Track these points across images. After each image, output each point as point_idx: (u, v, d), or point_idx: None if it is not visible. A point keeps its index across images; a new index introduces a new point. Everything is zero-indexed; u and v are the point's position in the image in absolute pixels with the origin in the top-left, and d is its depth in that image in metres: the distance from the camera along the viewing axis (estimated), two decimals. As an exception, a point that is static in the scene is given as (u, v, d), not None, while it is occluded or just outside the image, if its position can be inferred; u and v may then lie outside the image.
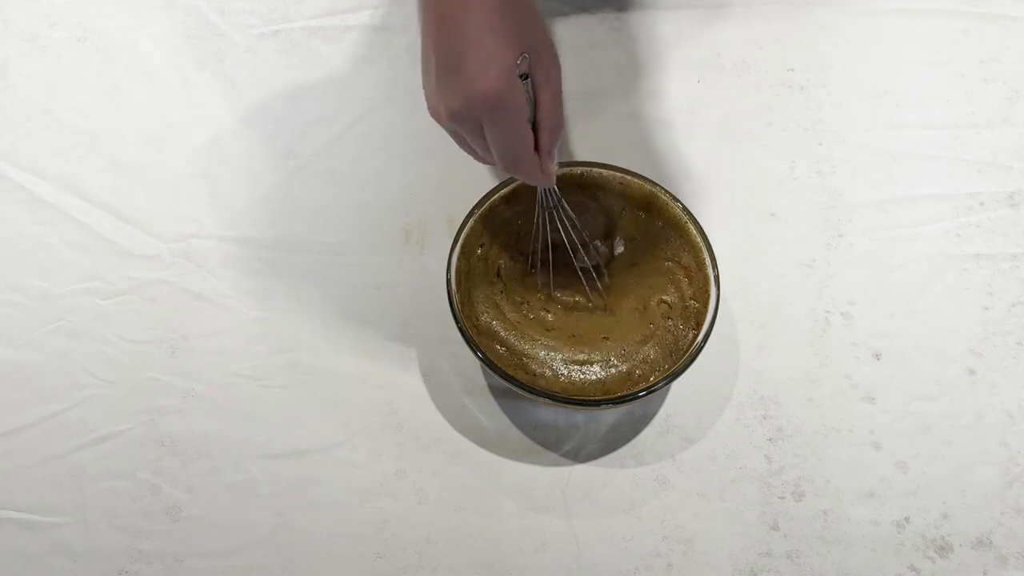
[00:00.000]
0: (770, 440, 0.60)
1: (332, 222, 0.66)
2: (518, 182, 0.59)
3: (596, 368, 0.58)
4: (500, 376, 0.55)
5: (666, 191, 0.60)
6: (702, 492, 0.59)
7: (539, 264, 0.60)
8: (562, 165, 0.60)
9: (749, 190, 0.68)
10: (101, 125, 0.69)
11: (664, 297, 0.60)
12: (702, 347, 0.56)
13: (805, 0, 0.74)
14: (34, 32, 0.73)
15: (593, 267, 0.60)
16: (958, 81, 0.72)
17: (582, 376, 0.58)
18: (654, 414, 0.61)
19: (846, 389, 0.62)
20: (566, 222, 0.58)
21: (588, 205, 0.61)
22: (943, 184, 0.68)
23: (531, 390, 0.55)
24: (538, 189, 0.57)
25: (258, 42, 0.72)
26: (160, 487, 0.59)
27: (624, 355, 0.58)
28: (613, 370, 0.58)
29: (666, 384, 0.55)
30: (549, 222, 0.58)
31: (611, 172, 0.60)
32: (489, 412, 0.61)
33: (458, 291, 0.57)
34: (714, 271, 0.58)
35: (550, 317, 0.60)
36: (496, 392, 0.62)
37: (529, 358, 0.58)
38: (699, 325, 0.57)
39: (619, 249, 0.62)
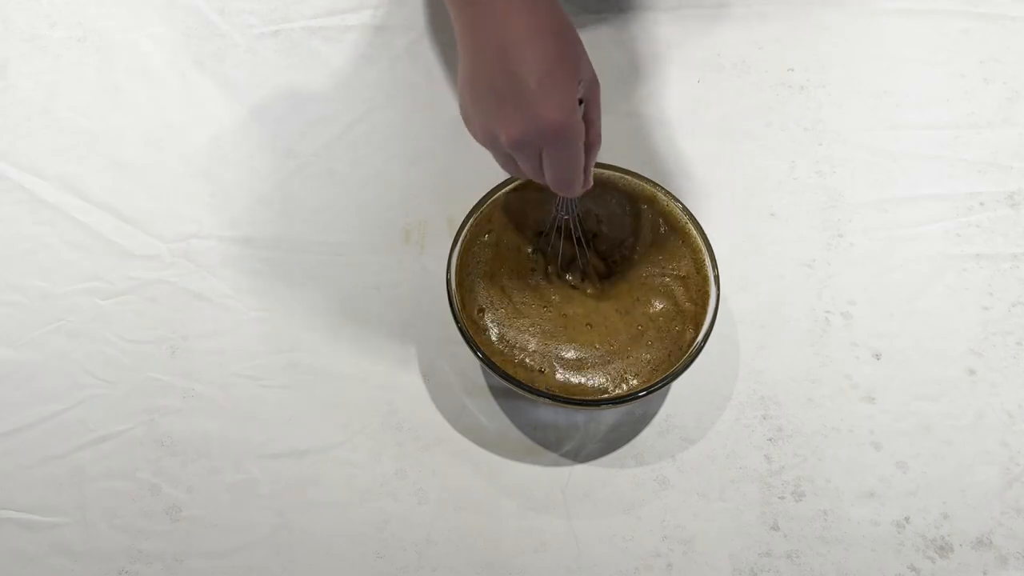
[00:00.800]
0: (770, 440, 0.60)
1: (332, 222, 0.66)
2: (520, 180, 0.59)
3: (597, 367, 0.58)
4: (500, 376, 0.55)
5: (666, 191, 0.60)
6: (702, 492, 0.59)
7: (547, 268, 0.60)
8: None
9: (749, 190, 0.68)
10: (101, 125, 0.69)
11: (664, 297, 0.60)
12: (702, 347, 0.56)
13: (805, 0, 0.74)
14: (34, 32, 0.73)
15: (596, 267, 0.61)
16: (958, 81, 0.72)
17: (583, 376, 0.58)
18: (654, 414, 0.61)
19: (846, 389, 0.62)
20: (580, 229, 0.58)
21: (589, 207, 0.61)
22: (943, 184, 0.68)
23: (531, 390, 0.55)
24: (556, 197, 0.57)
25: (258, 42, 0.72)
26: (160, 487, 0.59)
27: (624, 354, 0.58)
28: (613, 369, 0.58)
29: (666, 384, 0.55)
30: (564, 228, 0.59)
31: (611, 172, 0.60)
32: (489, 412, 0.61)
33: (458, 291, 0.58)
34: (714, 271, 0.58)
35: (551, 316, 0.60)
36: (496, 392, 0.62)
37: (530, 356, 0.58)
38: (699, 325, 0.57)
39: (621, 250, 0.62)
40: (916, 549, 0.58)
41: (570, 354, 0.58)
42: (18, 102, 0.70)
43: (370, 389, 0.62)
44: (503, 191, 0.60)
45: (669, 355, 0.58)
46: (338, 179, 0.68)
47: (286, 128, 0.69)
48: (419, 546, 0.58)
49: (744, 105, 0.71)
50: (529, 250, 0.61)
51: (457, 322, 0.56)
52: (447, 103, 0.70)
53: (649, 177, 0.60)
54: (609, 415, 0.61)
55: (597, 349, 0.58)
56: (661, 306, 0.59)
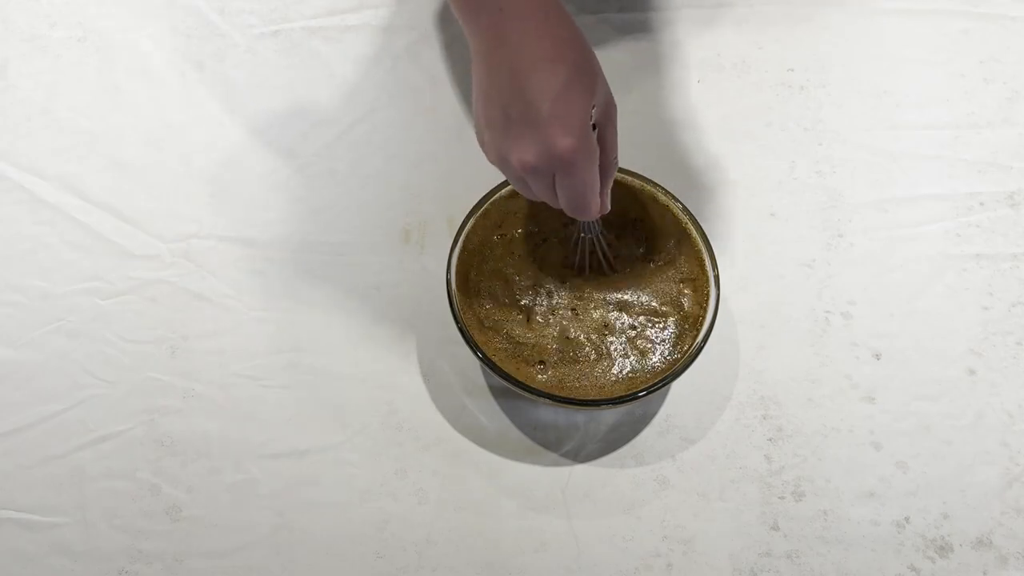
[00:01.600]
0: (770, 440, 0.60)
1: (333, 222, 0.66)
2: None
3: (598, 367, 0.58)
4: (500, 376, 0.55)
5: (666, 191, 0.60)
6: (702, 492, 0.59)
7: (547, 269, 0.60)
8: None
9: (749, 190, 0.68)
10: (101, 125, 0.69)
11: (664, 297, 0.60)
12: (702, 347, 0.56)
13: (805, 0, 0.74)
14: (34, 32, 0.73)
15: (606, 268, 0.61)
16: (958, 81, 0.72)
17: (583, 376, 0.58)
18: (654, 414, 0.61)
19: (846, 389, 0.62)
20: (603, 245, 0.58)
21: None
22: (943, 184, 0.68)
23: (531, 390, 0.55)
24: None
25: (258, 42, 0.72)
26: (160, 487, 0.59)
27: (626, 353, 0.58)
28: (614, 368, 0.58)
29: (666, 384, 0.55)
30: (586, 245, 0.58)
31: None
32: (489, 412, 0.61)
33: (458, 291, 0.58)
34: (714, 271, 0.58)
35: (552, 316, 0.60)
36: (496, 392, 0.62)
37: (530, 357, 0.58)
38: (699, 325, 0.57)
39: (625, 251, 0.62)
40: (916, 549, 0.58)
41: (571, 354, 0.58)
42: (18, 102, 0.70)
43: (370, 389, 0.62)
44: (503, 191, 0.60)
45: (669, 355, 0.58)
46: (339, 179, 0.68)
47: (286, 128, 0.69)
48: (419, 546, 0.58)
49: (744, 105, 0.71)
50: (529, 250, 0.61)
51: (457, 322, 0.56)
52: (448, 103, 0.70)
53: (649, 177, 0.60)
54: (609, 415, 0.61)
55: (598, 349, 0.58)
56: (661, 306, 0.59)
